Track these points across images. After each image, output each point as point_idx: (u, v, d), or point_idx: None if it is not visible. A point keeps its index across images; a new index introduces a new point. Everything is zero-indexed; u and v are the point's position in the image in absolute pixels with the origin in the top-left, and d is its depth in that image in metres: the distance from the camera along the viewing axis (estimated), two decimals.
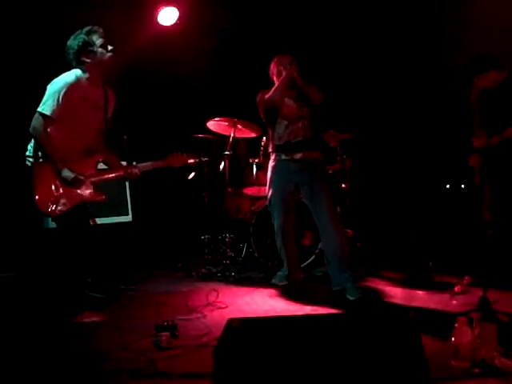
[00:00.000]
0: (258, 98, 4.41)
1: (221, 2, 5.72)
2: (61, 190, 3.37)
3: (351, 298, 4.02)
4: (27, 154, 3.45)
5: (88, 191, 3.49)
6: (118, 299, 4.07)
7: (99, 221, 4.23)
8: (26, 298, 3.89)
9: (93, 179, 3.51)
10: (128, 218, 4.80)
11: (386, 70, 6.03)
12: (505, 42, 4.69)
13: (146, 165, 3.66)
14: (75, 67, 3.46)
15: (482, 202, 4.09)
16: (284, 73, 4.26)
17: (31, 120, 3.35)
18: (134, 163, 3.64)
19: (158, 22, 5.37)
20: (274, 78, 4.41)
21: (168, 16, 5.36)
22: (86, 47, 3.40)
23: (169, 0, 5.32)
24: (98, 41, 3.43)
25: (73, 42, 3.42)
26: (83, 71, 3.46)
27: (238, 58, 6.11)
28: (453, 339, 2.68)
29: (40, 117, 3.32)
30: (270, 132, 4.49)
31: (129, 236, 5.02)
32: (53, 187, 3.35)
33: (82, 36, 3.40)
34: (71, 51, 3.42)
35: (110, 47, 3.45)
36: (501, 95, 3.93)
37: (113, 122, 3.69)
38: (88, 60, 3.42)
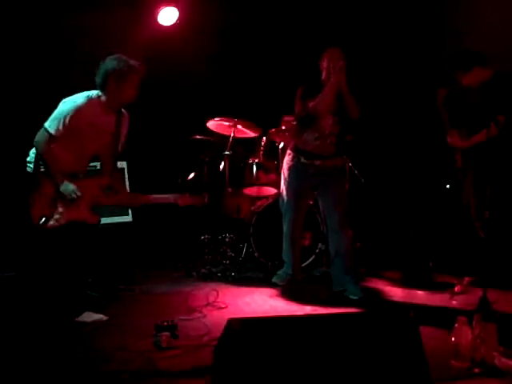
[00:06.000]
0: (298, 93, 4.25)
1: (221, 2, 5.71)
2: (57, 205, 3.32)
3: (354, 298, 4.03)
4: (28, 159, 3.43)
5: (85, 210, 3.42)
6: (117, 299, 4.07)
7: None
8: (25, 298, 3.89)
9: (94, 200, 3.46)
10: (128, 218, 4.80)
11: (384, 70, 6.02)
12: (504, 42, 4.67)
13: (150, 198, 3.59)
14: (97, 87, 3.38)
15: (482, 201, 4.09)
16: (332, 79, 4.03)
17: (33, 127, 3.34)
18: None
19: (158, 22, 5.37)
20: (323, 72, 4.22)
21: (168, 16, 5.35)
22: (120, 76, 3.32)
23: (169, 0, 5.32)
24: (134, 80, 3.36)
25: (112, 63, 3.32)
26: (101, 94, 3.39)
27: (238, 58, 6.11)
28: (453, 339, 2.68)
29: (45, 132, 3.30)
30: (298, 128, 4.37)
31: (129, 236, 5.01)
32: (50, 201, 3.31)
33: (124, 64, 3.31)
34: (104, 68, 3.32)
35: (135, 91, 3.40)
36: (482, 94, 3.84)
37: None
38: (113, 87, 3.34)
